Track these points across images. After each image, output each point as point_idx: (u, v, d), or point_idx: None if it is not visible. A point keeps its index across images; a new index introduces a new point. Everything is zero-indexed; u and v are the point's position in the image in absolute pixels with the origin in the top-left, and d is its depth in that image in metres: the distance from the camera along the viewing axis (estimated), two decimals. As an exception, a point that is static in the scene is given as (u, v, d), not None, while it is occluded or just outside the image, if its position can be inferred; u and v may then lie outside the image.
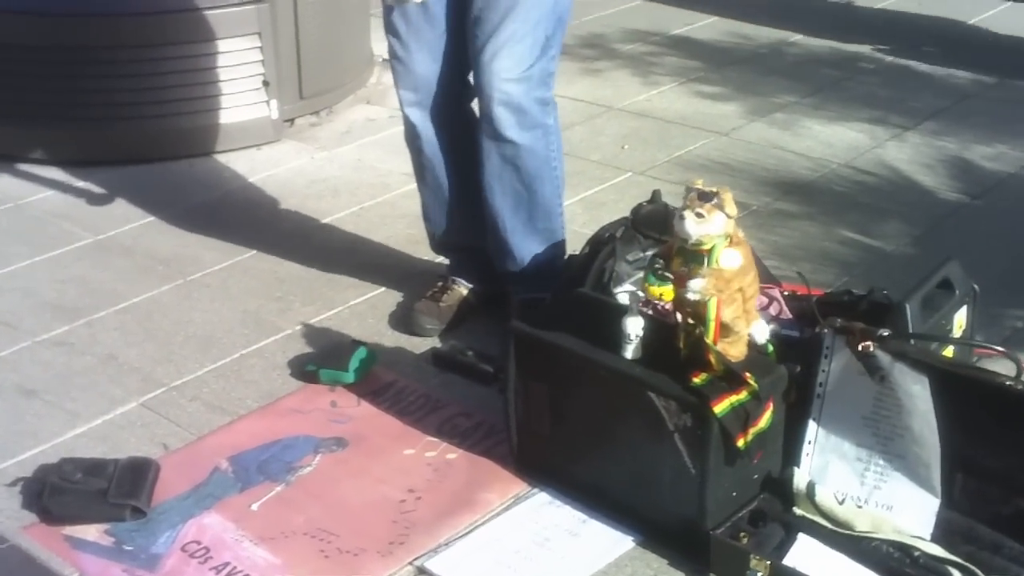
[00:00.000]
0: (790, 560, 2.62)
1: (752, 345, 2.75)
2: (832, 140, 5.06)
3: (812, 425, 2.80)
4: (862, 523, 2.72)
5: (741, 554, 2.63)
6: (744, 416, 2.62)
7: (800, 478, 2.78)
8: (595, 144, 5.03)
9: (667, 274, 2.66)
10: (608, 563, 2.76)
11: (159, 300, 3.88)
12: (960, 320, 3.08)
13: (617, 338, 2.78)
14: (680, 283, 2.63)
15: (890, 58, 6.07)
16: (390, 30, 3.44)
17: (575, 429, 2.88)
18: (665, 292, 2.67)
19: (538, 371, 2.91)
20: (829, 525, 2.73)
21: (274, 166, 4.85)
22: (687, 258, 2.62)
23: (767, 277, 3.36)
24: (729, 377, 2.64)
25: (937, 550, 2.63)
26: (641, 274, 3.40)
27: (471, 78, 3.39)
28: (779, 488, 2.79)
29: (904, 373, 2.65)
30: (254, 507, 2.94)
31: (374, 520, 2.90)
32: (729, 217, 2.57)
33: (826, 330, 2.79)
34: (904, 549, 2.65)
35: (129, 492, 2.88)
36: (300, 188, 4.65)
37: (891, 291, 3.21)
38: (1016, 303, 3.71)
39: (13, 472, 3.03)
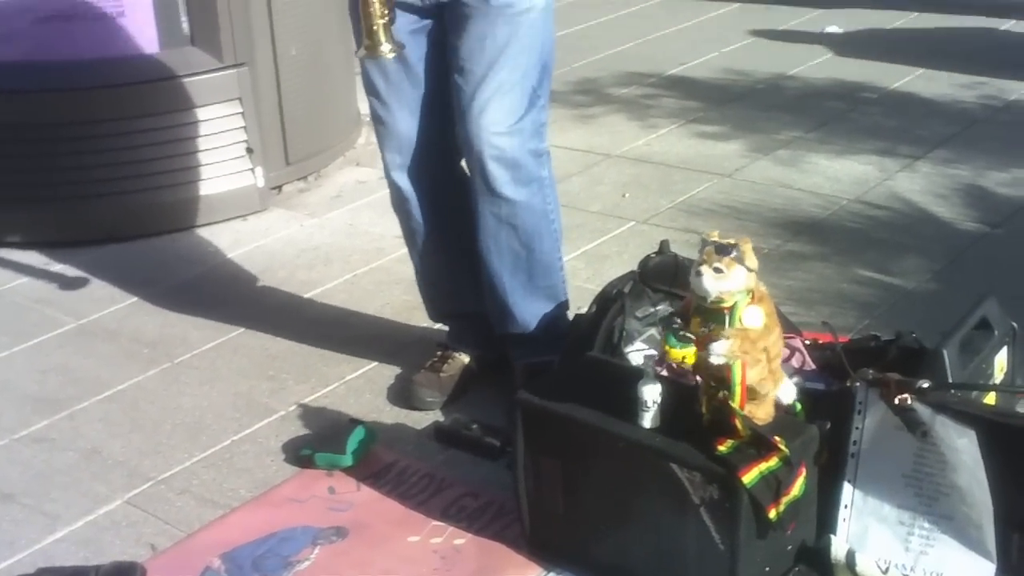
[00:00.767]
0: (835, 639, 2.40)
1: (779, 405, 2.53)
2: (840, 175, 4.87)
3: (848, 487, 2.59)
4: (910, 593, 2.50)
5: (781, 634, 2.41)
6: (775, 484, 2.41)
7: (838, 547, 2.57)
8: (594, 194, 4.84)
9: (688, 335, 2.45)
10: (637, 651, 2.54)
11: (145, 386, 3.67)
12: (1001, 363, 2.87)
13: (633, 405, 2.57)
14: (701, 345, 2.42)
15: (892, 86, 5.87)
16: (369, 89, 3.25)
17: (592, 506, 2.67)
18: (688, 355, 2.45)
19: (549, 445, 2.70)
20: (874, 597, 2.51)
21: (262, 236, 4.66)
22: (707, 317, 2.42)
23: (786, 326, 3.13)
24: (757, 443, 2.43)
25: (996, 619, 2.41)
26: (652, 331, 3.22)
27: (458, 134, 3.19)
28: (816, 559, 2.58)
29: (947, 426, 2.44)
30: (250, 610, 2.72)
31: (381, 617, 2.67)
32: (750, 271, 2.37)
33: (858, 383, 2.58)
34: (959, 619, 2.43)
35: (113, 602, 2.67)
36: (290, 258, 4.46)
37: (920, 333, 3.02)
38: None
39: (-13, 587, 2.82)
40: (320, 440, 3.26)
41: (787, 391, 2.55)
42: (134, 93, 4.58)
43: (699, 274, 2.38)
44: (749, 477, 2.38)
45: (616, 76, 6.31)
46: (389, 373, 3.63)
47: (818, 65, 6.29)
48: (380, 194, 4.53)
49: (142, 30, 4.59)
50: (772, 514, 2.41)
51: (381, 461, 3.21)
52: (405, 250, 3.60)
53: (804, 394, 2.71)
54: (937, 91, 5.77)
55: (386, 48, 2.94)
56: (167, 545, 2.94)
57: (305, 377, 3.66)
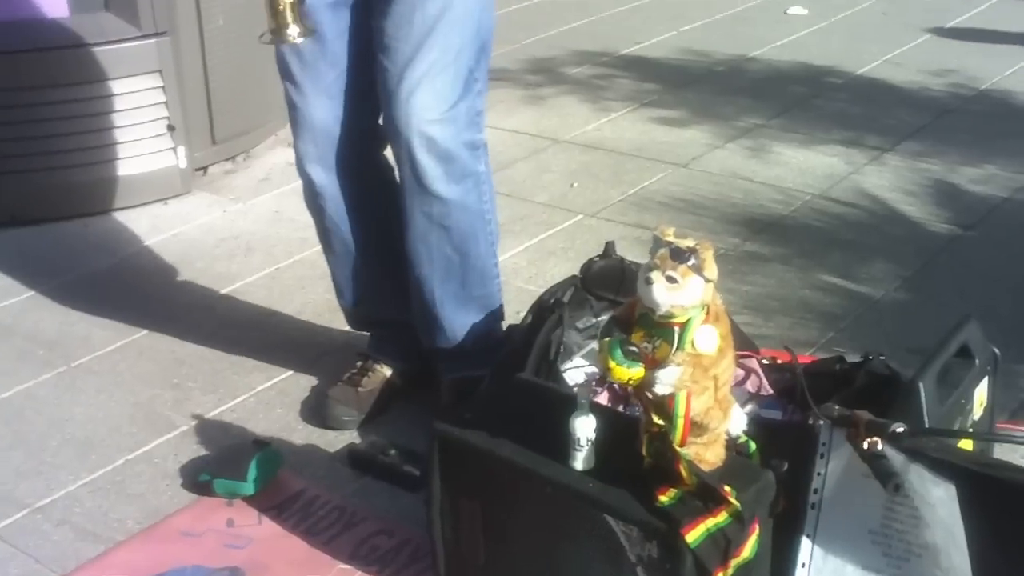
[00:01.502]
0: None
1: (730, 444, 2.21)
2: (804, 167, 4.58)
3: (806, 543, 2.27)
4: (876, 666, 2.18)
5: None
6: (724, 544, 2.08)
7: (795, 611, 2.25)
8: (540, 183, 4.52)
9: (634, 348, 2.10)
10: None
11: (35, 393, 3.33)
12: (981, 396, 2.55)
13: (565, 441, 2.23)
14: (647, 364, 2.09)
15: (859, 71, 5.57)
16: (282, 71, 2.92)
17: (515, 556, 2.35)
18: (635, 376, 2.11)
19: (469, 484, 2.37)
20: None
21: (181, 223, 4.32)
22: (652, 331, 2.09)
23: (742, 342, 2.82)
24: (704, 493, 2.10)
25: None
26: (594, 344, 2.89)
27: (382, 122, 2.87)
28: (768, 625, 2.25)
29: (922, 477, 2.12)
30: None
31: None
32: (708, 282, 2.04)
33: (821, 421, 2.25)
34: None
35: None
36: (208, 248, 4.12)
37: (889, 352, 2.71)
38: (1028, 358, 3.21)
39: None
40: (220, 463, 2.93)
41: (736, 421, 2.21)
42: (39, 61, 4.22)
43: (649, 282, 2.04)
44: (694, 535, 2.06)
45: (568, 54, 6.00)
46: (305, 384, 3.31)
47: (781, 47, 6.00)
48: (309, 179, 4.20)
49: (49, -9, 4.24)
50: (719, 577, 2.08)
51: (287, 489, 2.89)
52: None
53: (759, 426, 2.38)
54: (905, 78, 5.49)
55: (293, 32, 2.60)
56: (35, 589, 2.61)
57: (212, 387, 3.33)
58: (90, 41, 4.24)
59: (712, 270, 2.06)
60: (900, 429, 2.13)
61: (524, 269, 3.83)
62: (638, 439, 2.19)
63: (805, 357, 2.85)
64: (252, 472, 2.83)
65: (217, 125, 4.69)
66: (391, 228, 2.96)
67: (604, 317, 2.98)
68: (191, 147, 4.56)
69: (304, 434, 3.10)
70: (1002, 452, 2.65)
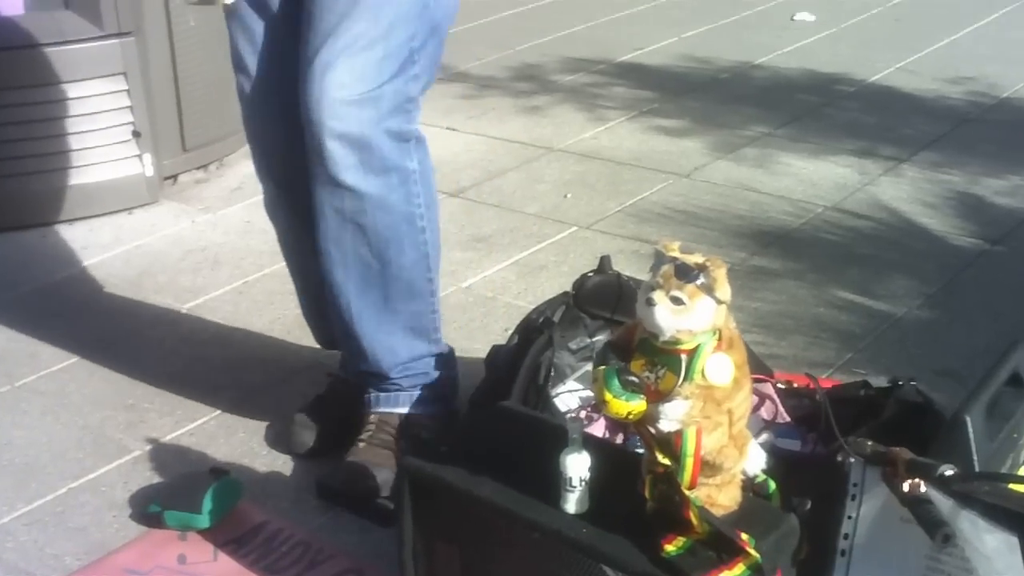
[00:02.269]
0: None
1: (746, 484, 1.91)
2: (815, 178, 4.28)
3: (836, 594, 1.96)
4: None
5: None
6: (742, 601, 1.77)
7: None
8: (532, 193, 4.22)
9: (635, 379, 1.80)
10: None
11: (-26, 416, 3.03)
12: (1033, 428, 2.24)
13: (555, 480, 1.93)
14: (649, 396, 1.79)
15: (870, 79, 5.28)
16: (235, 62, 2.63)
17: (499, 608, 2.03)
18: (635, 409, 1.80)
19: (445, 526, 2.07)
20: None
21: (146, 234, 4.02)
22: (655, 358, 1.79)
23: (755, 365, 2.52)
24: (717, 543, 1.80)
25: None
26: (588, 367, 2.60)
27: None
28: None
29: (975, 525, 1.82)
30: None
31: None
32: (720, 303, 1.74)
33: (851, 459, 1.95)
34: None
35: None
36: (174, 260, 3.82)
37: (918, 378, 2.44)
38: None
39: None
40: (172, 493, 2.63)
41: (754, 460, 1.93)
42: (-7, 61, 3.94)
43: (651, 303, 1.75)
44: (706, 591, 1.75)
45: (562, 62, 5.72)
46: (272, 406, 3.00)
47: (788, 54, 5.71)
48: (283, 187, 3.91)
49: (3, -13, 3.95)
50: (736, 639, 1.78)
51: (246, 522, 2.59)
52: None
53: (777, 458, 2.08)
54: (920, 85, 5.20)
55: None
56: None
57: (170, 409, 3.03)
58: (48, 41, 3.96)
59: (725, 290, 1.77)
60: (950, 472, 1.82)
61: (513, 284, 3.55)
62: (640, 479, 1.89)
63: (825, 381, 2.56)
64: (208, 503, 2.54)
65: (188, 132, 4.39)
66: None
67: (600, 337, 2.73)
68: (159, 155, 4.26)
69: (268, 461, 2.81)
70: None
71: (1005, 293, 3.42)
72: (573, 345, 2.68)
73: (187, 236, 4.01)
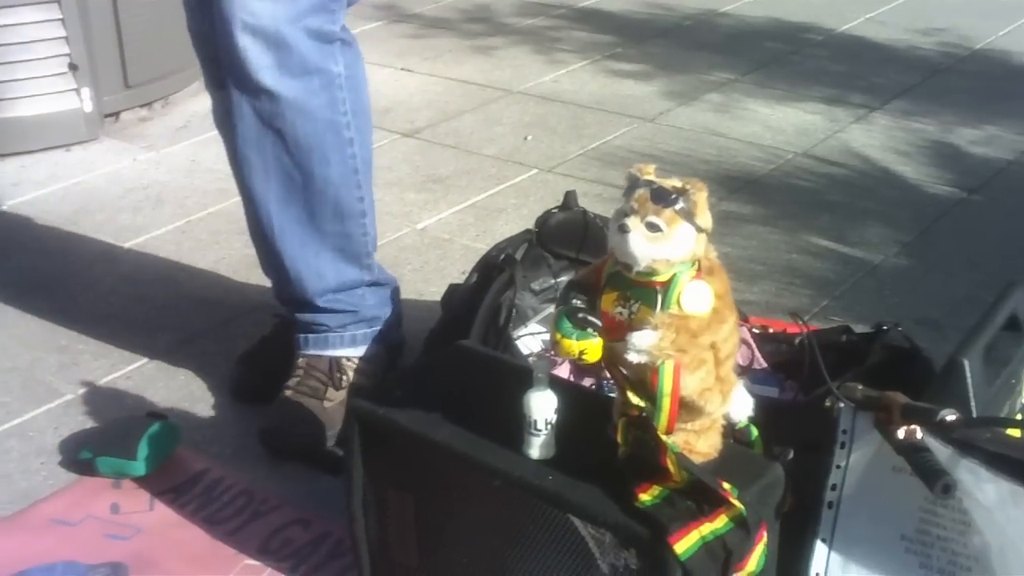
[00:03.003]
0: None
1: (727, 430, 1.75)
2: (783, 124, 4.13)
3: (821, 549, 1.82)
4: None
5: None
6: (723, 555, 1.62)
7: (806, 636, 1.79)
8: (489, 135, 4.05)
9: (592, 318, 1.64)
10: None
11: None
12: (1031, 373, 2.10)
13: (519, 424, 1.76)
14: (615, 333, 1.63)
15: (840, 29, 5.13)
16: None
17: (455, 561, 1.87)
18: (588, 348, 1.64)
19: (398, 474, 1.90)
20: None
21: (84, 171, 3.82)
22: (628, 292, 1.63)
23: (728, 308, 2.36)
24: (697, 491, 1.64)
25: None
26: (551, 309, 2.44)
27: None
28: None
29: (976, 474, 1.67)
30: None
31: None
32: (700, 231, 1.58)
33: (841, 404, 1.79)
34: None
35: None
36: (113, 199, 3.63)
37: (907, 325, 2.36)
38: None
39: None
40: (106, 438, 2.46)
41: (740, 405, 1.75)
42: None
43: (624, 229, 1.58)
44: (685, 544, 1.59)
45: (517, 5, 5.54)
46: (214, 349, 2.85)
47: (754, 3, 5.54)
48: (231, 124, 3.72)
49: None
50: (716, 597, 1.62)
51: (186, 470, 2.43)
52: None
53: (756, 406, 1.91)
54: (891, 36, 5.04)
55: None
56: None
57: (106, 351, 2.86)
58: (-30, -38, 3.76)
59: (706, 217, 1.60)
60: (952, 417, 1.67)
61: (471, 226, 3.38)
62: (611, 423, 1.73)
63: (796, 327, 2.39)
64: (143, 448, 2.38)
65: (130, 67, 4.19)
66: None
67: (564, 278, 2.58)
68: (99, 90, 4.07)
69: (210, 406, 2.65)
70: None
71: (983, 242, 3.29)
72: (536, 286, 2.53)
73: (128, 174, 3.82)
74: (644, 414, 1.64)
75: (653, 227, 1.58)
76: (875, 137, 4.00)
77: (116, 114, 4.21)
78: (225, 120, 2.45)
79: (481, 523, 1.81)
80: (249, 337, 2.77)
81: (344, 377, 2.52)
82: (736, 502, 1.61)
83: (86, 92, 4.00)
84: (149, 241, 3.38)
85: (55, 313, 3.01)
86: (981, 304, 2.85)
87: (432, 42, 5.01)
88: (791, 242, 3.29)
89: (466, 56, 4.81)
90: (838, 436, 1.80)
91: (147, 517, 2.31)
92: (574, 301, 1.67)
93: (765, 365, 2.35)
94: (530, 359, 2.33)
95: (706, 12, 5.40)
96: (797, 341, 2.33)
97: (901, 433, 1.71)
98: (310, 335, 2.53)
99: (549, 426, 1.74)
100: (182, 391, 2.69)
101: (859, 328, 2.34)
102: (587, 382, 2.30)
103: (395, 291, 2.62)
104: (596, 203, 3.31)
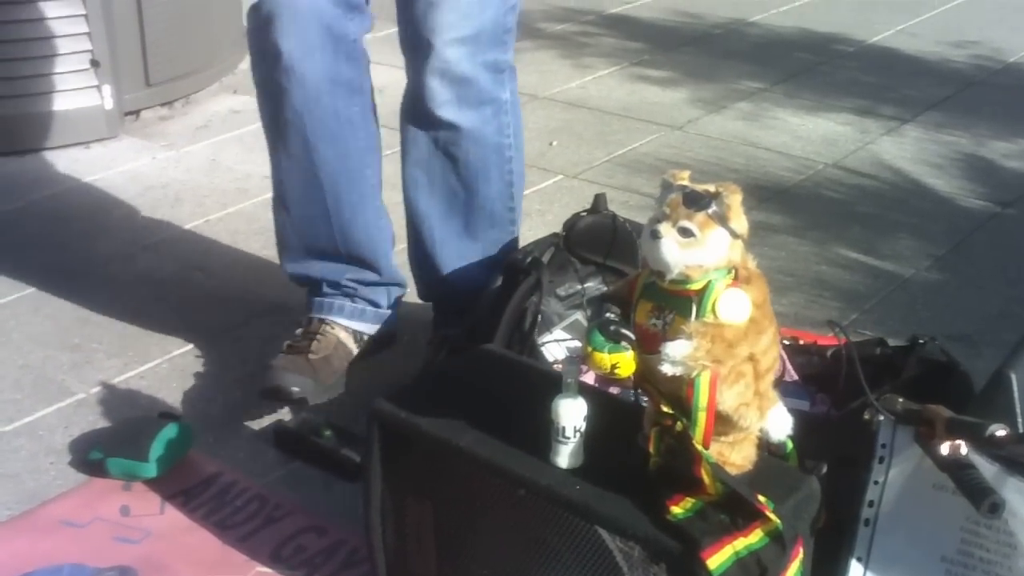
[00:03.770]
0: None
1: (761, 442, 1.68)
2: (813, 135, 4.07)
3: (856, 568, 1.76)
4: None
5: None
6: (758, 572, 1.56)
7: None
8: (516, 140, 3.96)
9: (625, 331, 1.58)
10: None
11: (-92, 352, 2.79)
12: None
13: (546, 431, 1.69)
14: (650, 346, 1.56)
15: (870, 40, 5.06)
16: None
17: (475, 573, 1.82)
18: (621, 362, 1.58)
19: (418, 480, 1.84)
20: None
21: (103, 168, 3.77)
22: (663, 302, 1.57)
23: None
24: (732, 505, 1.58)
25: None
26: (579, 315, 2.38)
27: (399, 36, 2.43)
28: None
29: (1022, 493, 1.59)
30: None
31: None
32: (735, 237, 1.52)
33: (881, 418, 1.73)
34: None
35: None
36: (132, 196, 3.58)
37: (941, 339, 2.24)
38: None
39: None
40: (117, 439, 2.42)
41: (779, 423, 1.68)
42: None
43: (656, 236, 1.53)
44: (718, 560, 1.53)
45: (548, 11, 5.47)
46: (229, 350, 2.80)
47: (784, 13, 5.47)
48: (254, 126, 3.66)
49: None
50: (750, 614, 1.56)
51: (198, 473, 2.38)
52: (272, 193, 2.66)
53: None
54: (923, 48, 4.97)
55: None
56: None
57: (120, 349, 2.81)
58: (-3, -41, 3.71)
59: (741, 221, 1.56)
60: (1002, 433, 1.59)
61: (496, 232, 3.32)
62: (642, 432, 1.66)
63: (830, 339, 2.32)
64: (156, 450, 2.33)
65: (152, 65, 4.14)
66: (367, 128, 2.52)
67: (591, 284, 2.52)
68: (120, 88, 4.01)
69: (225, 407, 2.59)
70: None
71: (1018, 257, 3.23)
72: (561, 291, 2.47)
73: (147, 172, 3.76)
74: (679, 424, 1.58)
75: (686, 232, 1.52)
76: (906, 149, 3.93)
77: (137, 112, 4.16)
78: (276, 81, 2.40)
79: (504, 534, 1.76)
80: (269, 339, 2.72)
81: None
82: (772, 516, 1.56)
83: (107, 89, 3.94)
84: (166, 240, 3.33)
85: (70, 311, 2.96)
86: (1016, 320, 2.83)
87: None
88: (821, 254, 3.23)
89: (492, 61, 4.75)
90: (876, 451, 1.75)
91: (157, 520, 2.26)
92: (607, 314, 1.61)
93: (796, 377, 2.27)
94: (555, 366, 2.27)
95: (735, 21, 5.34)
96: (830, 353, 2.26)
97: (944, 448, 1.65)
98: (448, 316, 2.62)
99: (578, 434, 1.68)
100: (196, 392, 2.64)
101: (893, 341, 2.27)
102: (614, 390, 2.23)
103: None
104: (622, 210, 3.21)
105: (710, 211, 1.53)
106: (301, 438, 2.42)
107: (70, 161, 3.82)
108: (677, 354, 1.53)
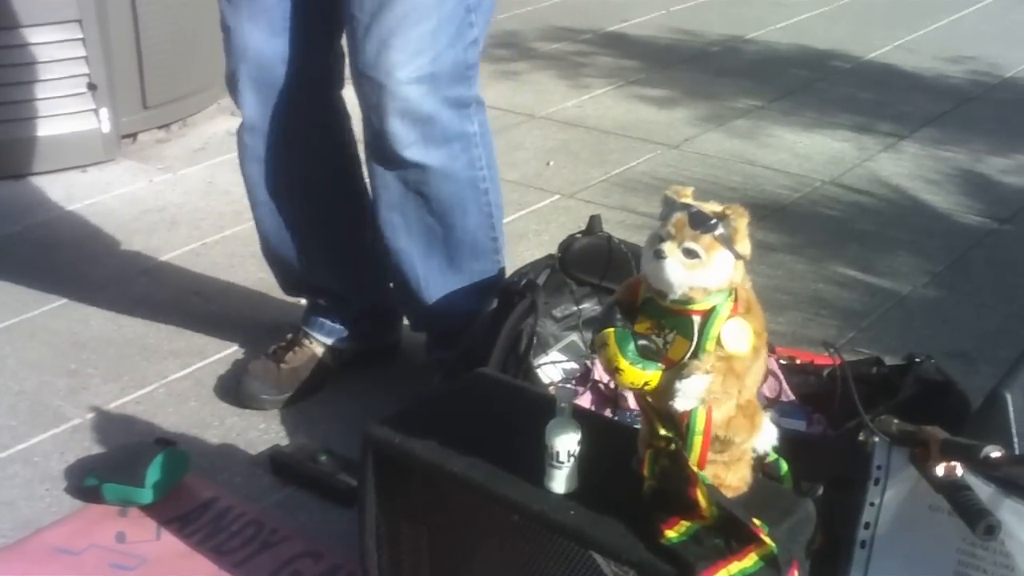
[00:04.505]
0: None
1: (755, 464, 1.67)
2: (810, 152, 4.06)
3: (853, 592, 1.73)
4: None
5: None
6: (753, 597, 1.54)
7: None
8: (512, 160, 3.99)
9: (650, 343, 1.56)
10: None
11: (-102, 379, 2.78)
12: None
13: (540, 455, 1.69)
14: (665, 363, 1.55)
15: (867, 56, 5.05)
16: None
17: (472, 599, 1.80)
18: (652, 379, 1.56)
19: (413, 505, 1.84)
20: None
21: (100, 192, 3.78)
22: (663, 321, 1.56)
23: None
24: (727, 528, 1.56)
25: None
26: (574, 336, 2.39)
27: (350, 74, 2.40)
28: None
29: (1020, 515, 1.59)
30: None
31: None
32: (738, 258, 1.51)
33: (875, 439, 1.72)
34: None
35: None
36: (128, 220, 3.58)
37: (939, 357, 2.25)
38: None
39: None
40: (113, 465, 2.40)
41: (765, 435, 1.67)
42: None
43: (660, 256, 1.51)
44: (713, 585, 1.52)
45: (544, 31, 5.49)
46: (226, 375, 2.80)
47: (781, 30, 5.49)
48: (248, 147, 3.66)
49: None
50: (745, 639, 1.55)
51: (194, 498, 2.37)
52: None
53: (784, 440, 1.83)
54: (920, 64, 4.97)
55: None
56: None
57: (116, 374, 2.81)
58: (-4, -16, 3.71)
59: (745, 244, 1.54)
60: (996, 454, 1.59)
61: (492, 252, 3.31)
62: (636, 455, 1.65)
63: (824, 358, 2.31)
64: (151, 476, 2.32)
65: (149, 88, 4.14)
66: (333, 182, 2.57)
67: (586, 305, 2.52)
68: (117, 111, 4.01)
69: (221, 432, 2.58)
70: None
71: (1015, 273, 3.23)
72: (557, 313, 2.47)
73: (144, 195, 3.76)
74: (675, 445, 1.57)
75: (691, 253, 1.51)
76: (904, 166, 3.93)
77: (134, 135, 4.17)
78: (240, 134, 2.54)
79: (499, 559, 1.76)
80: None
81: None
82: (767, 539, 1.55)
83: (104, 112, 3.95)
84: (163, 264, 3.32)
85: (66, 336, 2.96)
86: (1014, 337, 2.82)
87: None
88: (818, 272, 3.22)
89: (489, 80, 4.73)
90: (872, 472, 1.74)
91: (153, 547, 2.25)
92: (618, 323, 1.59)
93: (793, 397, 2.27)
94: (550, 388, 2.26)
95: (732, 39, 5.34)
96: (826, 373, 2.26)
97: (940, 470, 1.64)
98: (441, 343, 2.61)
99: (572, 458, 1.67)
100: (192, 417, 2.63)
101: (889, 360, 2.26)
102: (607, 413, 2.23)
103: None
104: (619, 229, 3.23)
105: (716, 233, 1.52)
106: (297, 463, 2.41)
107: (67, 185, 3.82)
108: (695, 391, 1.52)
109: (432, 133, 2.34)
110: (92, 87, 3.89)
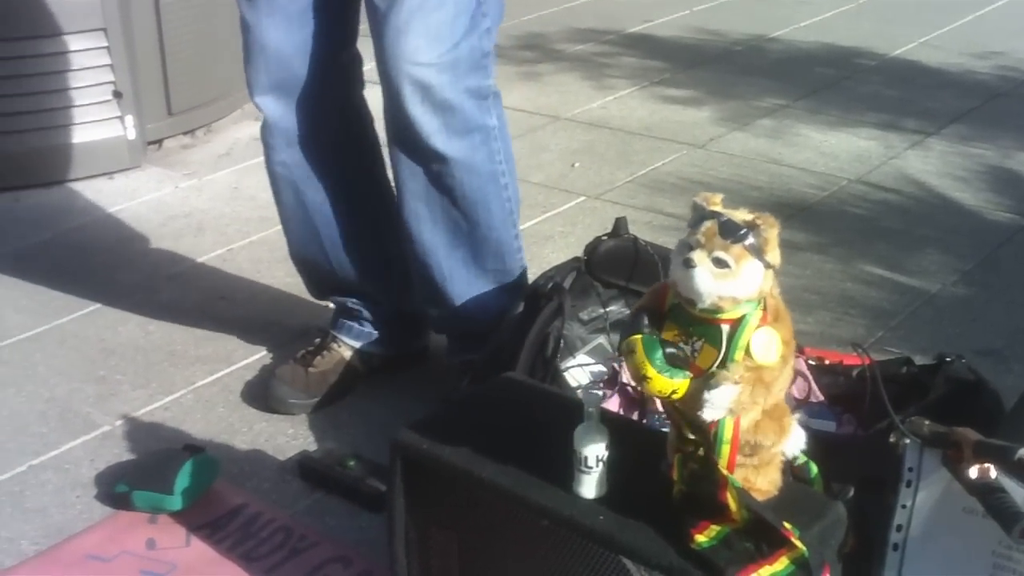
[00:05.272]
0: None
1: (785, 467, 1.66)
2: (836, 151, 4.05)
3: (886, 595, 1.72)
4: None
5: None
6: (785, 600, 1.53)
7: None
8: (537, 162, 3.98)
9: (679, 351, 1.55)
10: None
11: (-67, 386, 2.80)
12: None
13: (568, 460, 1.68)
14: (693, 372, 1.54)
15: (892, 53, 5.03)
16: None
17: (502, 605, 1.79)
18: (680, 387, 1.55)
19: (442, 511, 1.83)
20: None
21: (126, 199, 3.78)
22: (689, 328, 1.55)
23: (784, 339, 2.27)
24: (758, 532, 1.56)
25: None
26: (601, 339, 2.38)
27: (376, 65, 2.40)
28: None
29: (1057, 519, 1.57)
30: None
31: None
32: (768, 267, 1.50)
33: (907, 440, 1.71)
34: None
35: None
36: (155, 226, 3.58)
37: (969, 355, 2.22)
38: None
39: None
40: (142, 472, 2.41)
41: (793, 438, 1.66)
42: (-40, 14, 3.69)
43: (689, 265, 1.50)
44: (745, 589, 1.51)
45: (568, 32, 5.48)
46: (254, 380, 2.81)
47: (805, 28, 5.47)
48: (274, 152, 3.66)
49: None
50: (777, 644, 1.54)
51: (223, 504, 2.37)
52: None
53: (814, 441, 1.82)
54: (946, 60, 4.95)
55: None
56: None
57: (145, 381, 2.81)
58: (22, -8, 3.72)
59: (775, 253, 1.53)
60: (1031, 454, 1.58)
61: (518, 255, 3.31)
62: (665, 459, 1.65)
63: (853, 358, 2.30)
64: (181, 482, 2.32)
65: (173, 94, 4.16)
66: (358, 182, 2.58)
67: (613, 308, 2.51)
68: (142, 118, 4.03)
69: (249, 438, 2.58)
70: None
71: (1050, 271, 3.20)
72: (584, 315, 2.46)
73: (170, 202, 3.77)
74: (703, 449, 1.56)
75: (721, 263, 1.50)
76: (931, 163, 3.91)
77: (159, 141, 4.18)
78: (263, 136, 2.55)
79: (528, 565, 1.75)
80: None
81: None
82: (798, 543, 1.54)
83: (129, 120, 3.96)
84: (190, 269, 3.33)
85: (95, 343, 2.97)
86: (1046, 334, 2.80)
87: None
88: (846, 271, 3.21)
89: (514, 83, 4.75)
90: (904, 474, 1.72)
91: (183, 553, 2.25)
92: (645, 330, 1.58)
93: (822, 398, 2.25)
94: (578, 392, 2.25)
95: (756, 38, 5.33)
96: (855, 373, 2.24)
97: (973, 472, 1.63)
98: (465, 344, 2.61)
99: (600, 463, 1.67)
100: (221, 423, 2.63)
101: (920, 360, 2.25)
102: (635, 416, 2.22)
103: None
104: (645, 231, 3.24)
105: (746, 243, 1.50)
106: (326, 468, 2.41)
107: (94, 192, 3.83)
108: (723, 401, 1.51)
109: (454, 123, 2.34)
110: (117, 95, 3.91)
